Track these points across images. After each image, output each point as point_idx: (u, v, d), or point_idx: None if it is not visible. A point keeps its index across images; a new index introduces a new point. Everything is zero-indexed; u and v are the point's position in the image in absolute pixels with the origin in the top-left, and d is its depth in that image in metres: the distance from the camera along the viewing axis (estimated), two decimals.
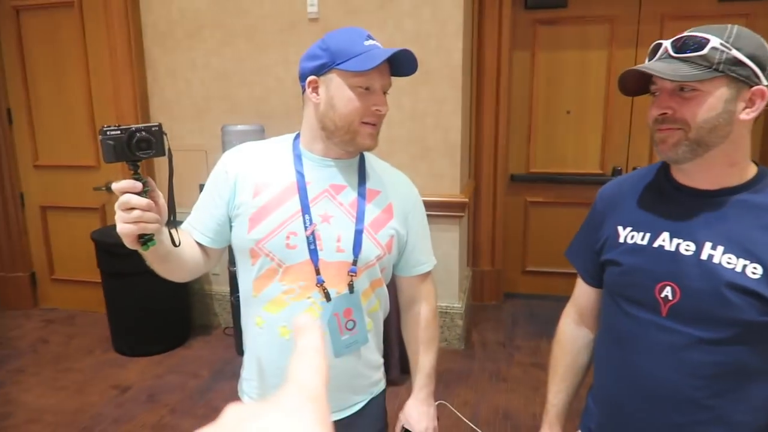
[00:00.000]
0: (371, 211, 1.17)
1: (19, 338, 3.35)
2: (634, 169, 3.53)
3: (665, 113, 0.93)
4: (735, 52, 0.89)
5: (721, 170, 0.96)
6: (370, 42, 1.09)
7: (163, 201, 0.95)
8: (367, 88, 1.08)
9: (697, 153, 0.93)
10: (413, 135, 2.95)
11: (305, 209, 1.11)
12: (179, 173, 3.59)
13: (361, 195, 1.17)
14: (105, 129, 0.89)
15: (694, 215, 0.98)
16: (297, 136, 1.20)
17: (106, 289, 3.14)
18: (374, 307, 1.21)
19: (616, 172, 3.58)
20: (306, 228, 1.10)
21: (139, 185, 0.90)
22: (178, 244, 1.02)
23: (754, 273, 0.90)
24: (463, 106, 2.95)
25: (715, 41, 0.89)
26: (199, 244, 1.17)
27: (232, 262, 3.03)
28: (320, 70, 1.09)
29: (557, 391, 1.25)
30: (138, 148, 0.91)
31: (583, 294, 1.23)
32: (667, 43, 0.94)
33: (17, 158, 3.66)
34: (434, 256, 1.33)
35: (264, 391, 1.20)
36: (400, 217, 1.21)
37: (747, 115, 0.91)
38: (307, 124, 1.16)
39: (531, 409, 2.54)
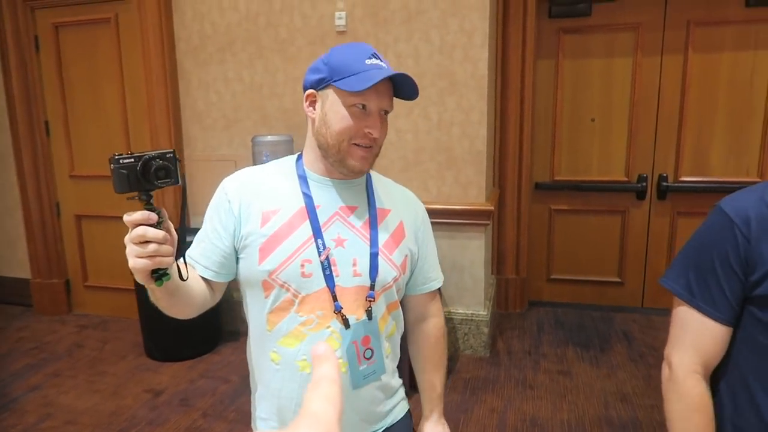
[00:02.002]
0: (384, 232, 1.12)
1: (55, 343, 3.45)
2: (661, 177, 3.52)
3: None
4: None
5: None
6: (373, 61, 1.03)
7: (174, 232, 0.89)
8: (363, 108, 1.03)
9: None
10: (440, 144, 2.99)
11: (317, 234, 1.05)
12: (209, 183, 3.67)
13: (373, 215, 1.12)
14: (117, 157, 0.83)
15: None
16: (299, 157, 1.15)
17: (140, 295, 3.23)
18: (392, 331, 1.17)
19: (641, 179, 3.57)
20: (320, 253, 1.05)
21: (154, 217, 0.84)
22: (185, 278, 0.96)
23: None
24: (488, 115, 2.98)
25: None
26: (204, 279, 1.10)
27: None
28: (319, 85, 1.05)
29: None
30: (156, 177, 0.84)
31: (711, 336, 0.95)
32: None
33: (54, 169, 3.79)
34: (442, 272, 1.29)
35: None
36: (411, 235, 1.18)
37: None
38: (309, 142, 1.12)
39: (559, 416, 2.54)
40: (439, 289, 1.29)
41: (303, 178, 1.11)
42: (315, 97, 1.07)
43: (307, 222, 1.06)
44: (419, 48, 2.92)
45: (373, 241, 1.10)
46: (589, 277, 3.78)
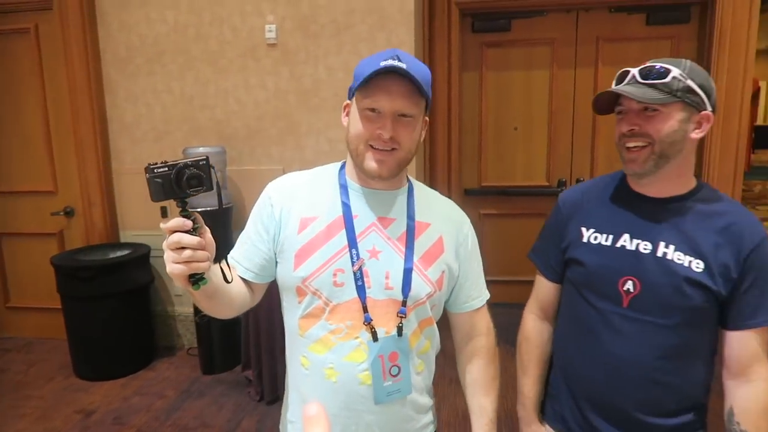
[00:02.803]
0: (421, 246, 1.10)
1: None
2: (577, 181, 3.78)
3: (633, 129, 1.09)
4: (689, 82, 1.06)
5: (672, 181, 1.14)
6: (389, 62, 0.99)
7: (210, 237, 0.89)
8: (373, 110, 1.02)
9: (659, 165, 1.10)
10: None
11: (352, 244, 1.05)
12: (140, 197, 3.61)
13: (410, 229, 1.10)
14: (152, 167, 0.84)
15: (649, 219, 1.14)
16: (343, 165, 1.15)
17: (67, 313, 3.12)
18: (425, 348, 1.14)
19: (561, 184, 3.81)
20: (353, 263, 1.05)
21: (189, 223, 0.85)
22: (230, 281, 0.98)
23: (698, 267, 1.08)
24: None
25: (675, 71, 1.06)
26: (244, 280, 1.12)
27: None
28: (351, 95, 1.07)
29: (532, 384, 1.34)
30: (189, 186, 0.86)
31: (544, 291, 1.34)
32: (635, 71, 1.09)
33: None
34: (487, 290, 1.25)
35: None
36: (451, 250, 1.14)
37: (696, 134, 1.09)
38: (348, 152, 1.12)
39: None
40: (486, 308, 1.25)
41: (344, 187, 1.11)
42: (349, 107, 1.09)
43: (344, 231, 1.06)
44: (349, 61, 3.02)
45: (408, 257, 1.08)
46: (519, 278, 3.97)
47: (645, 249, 1.12)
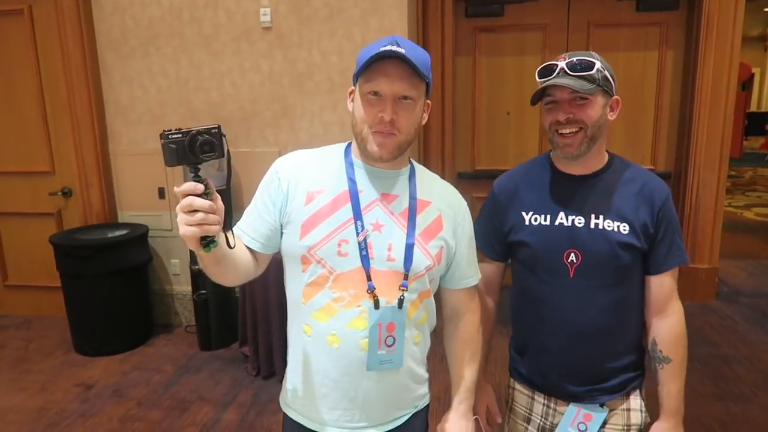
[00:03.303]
0: (422, 222, 1.16)
1: None
2: None
3: (569, 116, 1.21)
4: (606, 72, 1.21)
5: (594, 159, 1.29)
6: (389, 47, 1.04)
7: (221, 202, 0.94)
8: (375, 94, 1.07)
9: (590, 147, 1.24)
10: None
11: (357, 216, 1.11)
12: (135, 177, 3.65)
13: (412, 206, 1.16)
14: (167, 132, 0.89)
15: (578, 195, 1.29)
16: (349, 145, 1.21)
17: (67, 291, 3.19)
18: (422, 319, 1.19)
19: None
20: (358, 234, 1.10)
21: (201, 187, 0.89)
22: (233, 246, 1.02)
23: (624, 230, 1.25)
24: None
25: (597, 63, 1.19)
26: (250, 250, 1.16)
27: (193, 261, 3.14)
28: (355, 81, 1.12)
29: None
30: (201, 151, 0.90)
31: (487, 269, 1.42)
32: (562, 65, 1.20)
33: None
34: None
35: (310, 402, 1.18)
36: (449, 228, 1.20)
37: (612, 117, 1.26)
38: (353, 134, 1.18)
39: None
40: (476, 287, 1.32)
41: (350, 164, 1.17)
42: (353, 92, 1.13)
43: (349, 204, 1.11)
44: (342, 45, 3.06)
45: (410, 232, 1.13)
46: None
47: (579, 223, 1.27)
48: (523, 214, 1.33)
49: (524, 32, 3.77)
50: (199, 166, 0.92)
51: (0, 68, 3.47)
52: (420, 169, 1.24)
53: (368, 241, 1.10)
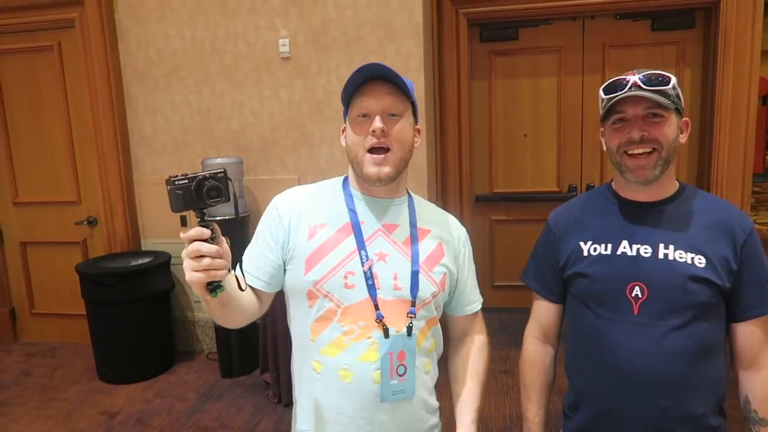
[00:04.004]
0: (424, 249, 1.17)
1: (1, 372, 3.39)
2: (588, 186, 3.83)
3: (644, 135, 1.10)
4: (679, 91, 1.12)
5: (664, 185, 1.18)
6: (368, 66, 1.08)
7: (227, 246, 0.93)
8: (365, 116, 1.09)
9: (664, 170, 1.13)
10: None
11: (361, 246, 1.11)
12: (159, 206, 3.73)
13: (414, 233, 1.17)
14: (172, 179, 0.89)
15: (644, 223, 1.16)
16: (346, 178, 1.22)
17: (91, 319, 3.23)
18: (431, 347, 1.19)
19: (571, 189, 3.86)
20: (363, 264, 1.10)
21: (207, 232, 0.89)
22: (244, 288, 1.03)
23: (700, 263, 1.11)
24: (427, 134, 3.20)
25: (674, 80, 1.10)
26: (253, 289, 1.16)
27: None
28: (345, 115, 1.16)
29: (537, 410, 1.31)
30: (208, 197, 0.90)
31: (545, 313, 1.32)
32: (635, 79, 1.10)
33: None
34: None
35: None
36: (451, 255, 1.21)
37: (683, 139, 1.15)
38: (349, 167, 1.19)
39: (502, 411, 2.73)
40: (481, 312, 1.32)
41: (349, 196, 1.17)
42: (345, 129, 1.16)
43: (352, 236, 1.12)
44: None
45: (415, 258, 1.14)
46: None
47: (646, 252, 1.13)
48: (581, 244, 1.21)
49: (539, 55, 3.80)
50: (206, 211, 0.92)
51: (31, 102, 3.59)
52: (417, 199, 1.25)
53: (374, 270, 1.11)
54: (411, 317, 1.11)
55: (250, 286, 1.15)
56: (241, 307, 1.09)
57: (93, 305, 3.20)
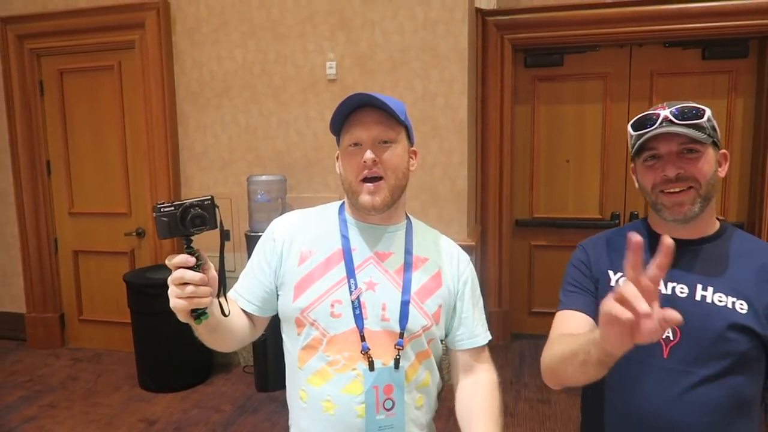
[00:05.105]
0: (418, 279, 1.12)
1: (50, 376, 3.53)
2: (632, 215, 3.75)
3: (680, 172, 1.03)
4: (714, 122, 1.07)
5: (704, 222, 1.10)
6: (359, 98, 1.07)
7: (214, 272, 0.94)
8: (357, 145, 1.08)
9: (704, 208, 1.05)
10: (424, 184, 3.19)
11: (350, 274, 1.09)
12: None
13: (408, 262, 1.13)
14: (159, 206, 0.90)
15: (682, 262, 1.06)
16: (343, 203, 1.21)
17: (136, 327, 3.34)
18: (424, 382, 1.13)
19: (614, 217, 3.79)
20: (351, 293, 1.07)
21: (192, 260, 0.89)
22: (227, 314, 1.01)
23: (741, 308, 1.02)
24: (469, 157, 3.21)
25: (708, 112, 1.05)
26: (246, 313, 1.15)
27: None
28: (338, 144, 1.16)
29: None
30: (193, 224, 0.91)
31: (575, 321, 1.15)
32: (666, 113, 1.04)
33: (54, 206, 3.94)
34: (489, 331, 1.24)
35: None
36: (450, 285, 1.16)
37: (722, 173, 1.08)
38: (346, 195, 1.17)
39: None
40: (487, 347, 1.23)
41: (343, 222, 1.16)
42: (339, 156, 1.17)
43: (342, 263, 1.10)
44: (403, 95, 3.16)
45: (406, 288, 1.10)
46: None
47: (681, 293, 1.05)
48: (611, 273, 1.13)
49: (584, 81, 3.77)
50: (192, 238, 0.92)
51: (91, 118, 3.78)
52: (418, 225, 1.22)
53: (362, 300, 1.08)
54: (398, 349, 1.07)
55: (243, 310, 1.14)
56: (232, 331, 1.08)
57: (138, 314, 3.31)
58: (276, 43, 3.35)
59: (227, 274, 1.16)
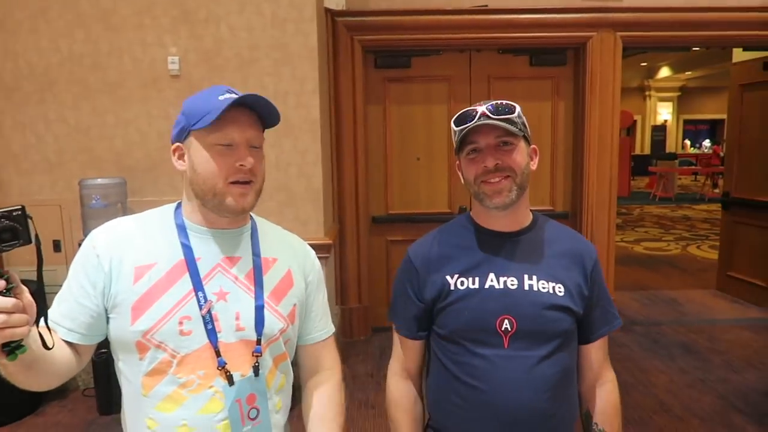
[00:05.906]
0: (270, 282, 1.08)
1: None
2: (461, 209, 4.04)
3: (498, 163, 1.10)
4: (524, 119, 1.15)
5: (521, 213, 1.20)
6: (227, 96, 0.99)
7: (29, 297, 0.80)
8: (228, 145, 0.99)
9: (519, 196, 1.14)
10: (279, 183, 3.14)
11: (198, 287, 1.00)
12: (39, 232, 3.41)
13: (257, 266, 1.07)
14: None
15: (507, 254, 1.16)
16: (178, 206, 1.09)
17: None
18: (281, 384, 1.11)
19: (462, 210, 4.06)
20: (201, 308, 0.99)
21: (2, 283, 0.75)
22: (51, 346, 0.87)
23: (560, 291, 1.14)
24: (323, 156, 3.21)
25: (518, 109, 1.12)
26: (68, 343, 1.00)
27: None
28: (181, 136, 1.03)
29: None
30: (1, 240, 0.76)
31: (409, 351, 1.28)
32: (483, 109, 1.10)
33: None
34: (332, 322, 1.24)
35: None
36: (300, 283, 1.14)
37: (533, 166, 1.17)
38: (185, 194, 1.07)
39: None
40: (333, 340, 1.23)
41: (182, 228, 1.05)
42: (182, 149, 1.03)
43: (187, 275, 1.00)
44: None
45: (258, 294, 1.05)
46: None
47: (512, 285, 1.13)
48: (448, 278, 1.17)
49: (430, 83, 3.99)
50: (1, 255, 0.78)
51: None
52: (262, 223, 1.17)
53: (213, 312, 1.00)
54: (257, 356, 1.02)
55: (64, 341, 0.99)
56: (53, 365, 0.93)
57: None
58: (109, 34, 3.05)
59: (57, 291, 1.04)
